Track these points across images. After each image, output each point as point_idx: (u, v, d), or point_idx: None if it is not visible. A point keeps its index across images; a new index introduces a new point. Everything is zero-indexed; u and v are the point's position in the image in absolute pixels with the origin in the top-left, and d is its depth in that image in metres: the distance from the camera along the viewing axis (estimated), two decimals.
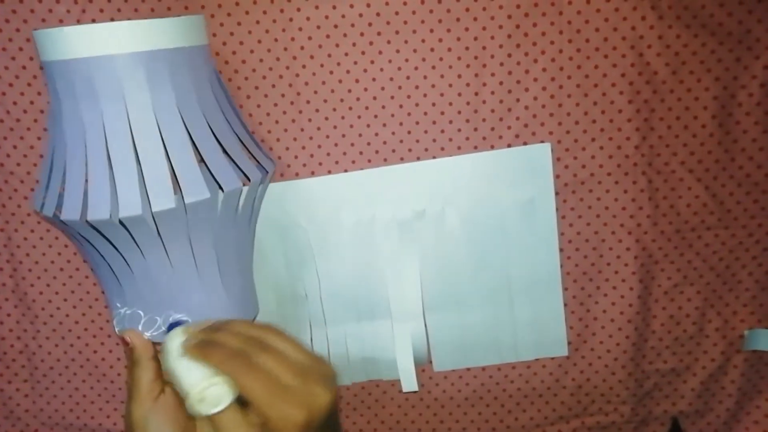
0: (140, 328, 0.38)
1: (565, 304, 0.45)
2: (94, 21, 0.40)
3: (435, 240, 0.44)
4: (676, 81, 0.41)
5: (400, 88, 0.41)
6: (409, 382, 0.45)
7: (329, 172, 0.43)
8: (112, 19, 0.40)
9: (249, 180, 0.38)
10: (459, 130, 0.42)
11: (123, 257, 0.36)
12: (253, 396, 0.28)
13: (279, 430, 0.27)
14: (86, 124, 0.34)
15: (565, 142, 0.42)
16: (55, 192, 0.36)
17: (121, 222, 0.34)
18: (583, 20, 0.40)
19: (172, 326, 0.36)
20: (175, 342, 0.31)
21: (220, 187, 0.36)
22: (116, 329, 0.39)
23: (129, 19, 0.40)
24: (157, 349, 0.35)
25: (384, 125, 0.42)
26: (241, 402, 0.29)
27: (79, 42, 0.33)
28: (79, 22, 0.40)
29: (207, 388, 0.28)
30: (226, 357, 0.29)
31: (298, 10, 0.40)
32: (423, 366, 0.46)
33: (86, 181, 0.34)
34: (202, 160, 0.37)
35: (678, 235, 0.44)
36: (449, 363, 0.46)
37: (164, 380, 0.34)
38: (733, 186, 0.43)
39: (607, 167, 0.42)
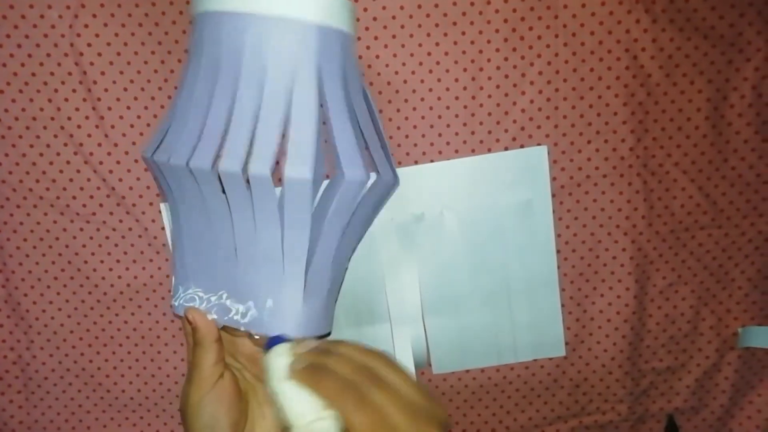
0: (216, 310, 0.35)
1: (563, 305, 0.45)
2: (86, 27, 0.40)
3: (433, 243, 0.44)
4: (670, 83, 0.42)
5: (397, 92, 0.41)
6: None
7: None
8: (106, 25, 0.40)
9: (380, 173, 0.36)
10: (456, 133, 0.42)
11: (218, 226, 0.34)
12: None
13: None
14: (243, 78, 0.32)
15: (562, 145, 0.42)
16: (178, 139, 0.33)
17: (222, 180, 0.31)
18: (579, 24, 0.40)
19: (273, 342, 0.32)
20: (281, 361, 0.29)
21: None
22: (177, 309, 0.35)
23: (122, 25, 0.40)
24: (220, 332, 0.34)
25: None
26: None
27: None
28: (71, 27, 0.40)
29: (313, 422, 0.27)
30: (339, 390, 0.27)
31: None
32: (422, 369, 0.46)
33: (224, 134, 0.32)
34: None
35: (672, 235, 0.44)
36: (448, 365, 0.46)
37: (225, 364, 0.33)
38: (725, 186, 0.43)
39: (602, 169, 0.43)
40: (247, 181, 0.32)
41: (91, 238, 0.43)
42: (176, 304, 0.35)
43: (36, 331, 0.45)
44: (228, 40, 0.32)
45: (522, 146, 0.42)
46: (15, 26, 0.39)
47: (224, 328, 0.34)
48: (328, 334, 0.38)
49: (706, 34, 0.41)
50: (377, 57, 0.41)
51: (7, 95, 0.41)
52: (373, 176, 0.37)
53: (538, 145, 0.42)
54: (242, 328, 0.34)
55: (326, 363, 0.29)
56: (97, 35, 0.40)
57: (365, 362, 0.29)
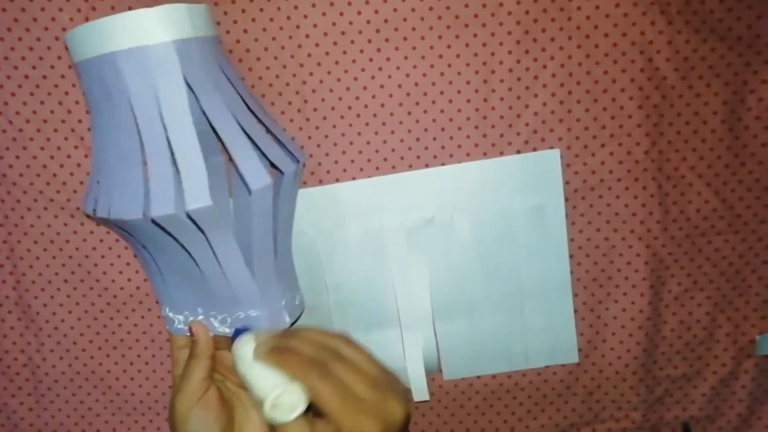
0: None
1: (576, 311, 0.44)
2: None
3: (444, 247, 0.43)
4: (686, 86, 0.41)
5: (408, 95, 0.41)
6: (420, 392, 0.44)
7: (337, 180, 0.42)
8: None
9: (282, 172, 0.36)
10: (468, 136, 0.42)
11: (182, 255, 0.35)
12: (328, 406, 0.27)
13: None
14: (127, 120, 0.32)
15: (575, 148, 0.42)
16: (106, 192, 0.34)
17: (156, 222, 0.32)
18: (592, 25, 0.40)
19: (238, 332, 0.35)
20: (247, 347, 0.31)
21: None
22: (170, 328, 0.38)
23: None
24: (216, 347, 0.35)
25: (392, 132, 0.42)
26: (311, 412, 0.28)
27: (107, 35, 0.32)
28: None
29: (281, 395, 0.28)
30: (302, 364, 0.29)
31: (305, 17, 0.40)
32: (433, 374, 0.46)
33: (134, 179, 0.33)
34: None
35: (688, 240, 0.43)
36: (459, 371, 0.45)
37: (213, 378, 0.35)
38: (742, 190, 0.42)
39: (617, 173, 0.42)
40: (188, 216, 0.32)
41: (101, 240, 0.43)
42: (176, 327, 0.38)
43: (46, 333, 0.45)
44: (99, 83, 0.33)
45: (534, 149, 0.42)
46: (26, 29, 0.40)
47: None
48: (295, 322, 0.40)
49: (723, 35, 0.40)
50: (388, 59, 0.40)
51: (18, 98, 0.41)
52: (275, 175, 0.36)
53: (551, 148, 0.42)
54: (227, 332, 0.36)
55: (289, 343, 0.31)
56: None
57: (326, 341, 0.31)
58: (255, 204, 0.34)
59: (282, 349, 0.30)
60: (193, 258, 0.34)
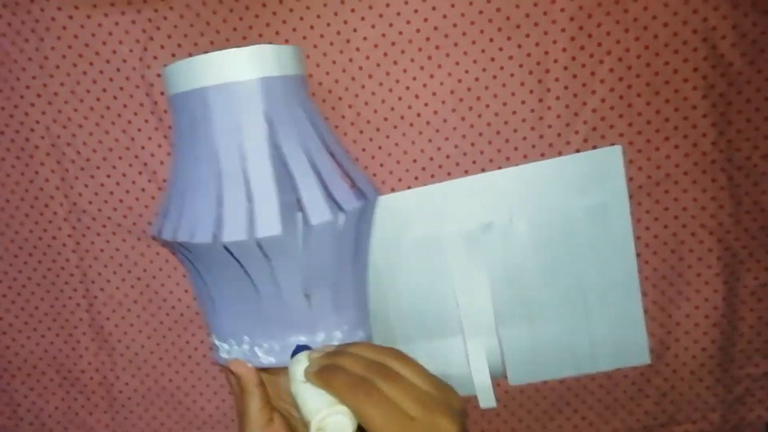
0: (243, 356, 0.37)
1: (645, 311, 0.43)
2: (155, 59, 0.41)
3: (504, 252, 0.43)
4: (754, 71, 0.39)
5: (461, 100, 0.41)
6: (487, 399, 0.44)
7: (392, 190, 0.42)
8: (173, 55, 0.41)
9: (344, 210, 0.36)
10: (524, 138, 0.41)
11: (239, 280, 0.36)
12: (374, 428, 0.27)
13: None
14: (208, 150, 0.34)
15: (637, 143, 0.41)
16: (176, 216, 0.36)
17: (226, 248, 0.33)
18: (651, 16, 0.38)
19: (297, 350, 0.35)
20: (299, 367, 0.31)
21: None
22: (219, 360, 0.38)
23: (189, 54, 0.41)
24: (261, 376, 0.35)
25: (446, 139, 0.41)
26: None
27: (200, 71, 0.34)
28: (141, 60, 0.41)
29: (327, 418, 0.28)
30: (348, 385, 0.28)
31: (355, 30, 0.40)
32: (498, 380, 0.45)
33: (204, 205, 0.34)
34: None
35: (763, 232, 0.41)
36: (525, 376, 0.45)
37: (272, 407, 0.35)
38: None
39: (683, 166, 0.41)
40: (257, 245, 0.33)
41: (167, 261, 0.45)
42: (220, 356, 0.38)
43: (119, 352, 0.46)
44: (188, 115, 0.35)
45: (594, 147, 0.41)
46: (90, 63, 0.41)
47: (266, 370, 0.36)
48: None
49: None
50: (439, 66, 0.40)
51: (85, 129, 0.42)
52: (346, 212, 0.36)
53: (612, 145, 0.41)
54: (272, 362, 0.36)
55: (337, 362, 0.30)
56: (166, 66, 0.41)
57: (375, 358, 0.30)
58: (314, 237, 0.34)
59: (329, 369, 0.30)
60: (253, 282, 0.35)
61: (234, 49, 0.33)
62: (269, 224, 0.32)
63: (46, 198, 0.44)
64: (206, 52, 0.39)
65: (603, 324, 0.43)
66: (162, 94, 0.42)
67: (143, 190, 0.43)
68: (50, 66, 0.41)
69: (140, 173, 0.43)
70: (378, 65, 0.40)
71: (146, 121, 0.42)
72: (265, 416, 0.34)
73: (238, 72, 0.33)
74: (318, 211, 0.34)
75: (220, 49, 0.38)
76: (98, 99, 0.42)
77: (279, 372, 0.36)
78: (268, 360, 0.36)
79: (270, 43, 0.40)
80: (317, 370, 0.30)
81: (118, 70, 0.41)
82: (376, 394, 0.27)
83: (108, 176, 0.43)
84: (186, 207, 0.35)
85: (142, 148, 0.43)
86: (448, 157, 0.42)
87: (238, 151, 0.33)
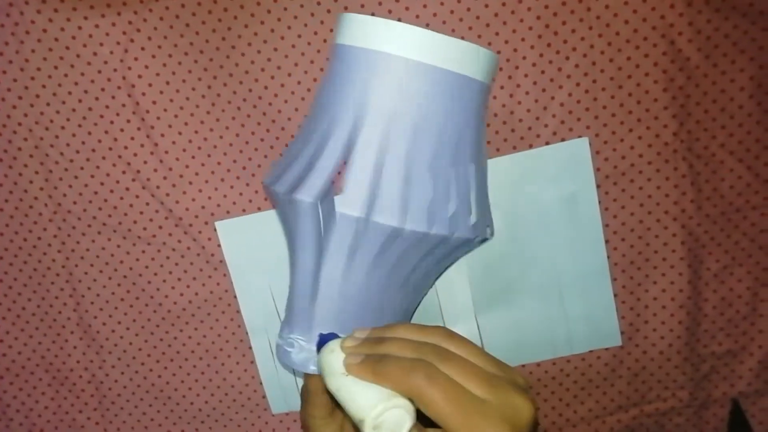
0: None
1: (615, 295, 0.45)
2: (136, 60, 0.42)
3: None
4: (710, 65, 0.41)
5: None
6: None
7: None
8: (154, 57, 0.42)
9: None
10: (497, 132, 0.43)
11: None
12: (442, 416, 0.23)
13: None
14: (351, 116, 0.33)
15: (603, 135, 0.43)
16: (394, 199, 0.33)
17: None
18: (612, 14, 0.40)
19: (322, 341, 0.31)
20: (334, 358, 0.27)
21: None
22: (283, 359, 0.35)
23: (170, 55, 0.42)
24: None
25: None
26: (424, 423, 0.25)
27: (377, 34, 0.33)
28: (122, 61, 0.42)
29: (383, 413, 0.24)
30: (405, 371, 0.24)
31: (331, 31, 0.41)
32: None
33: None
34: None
35: (723, 217, 0.44)
36: (504, 361, 0.46)
37: (343, 416, 0.33)
38: None
39: (647, 156, 0.43)
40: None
41: (153, 259, 0.45)
42: (282, 350, 0.35)
43: (107, 350, 0.47)
44: (348, 75, 0.33)
45: (563, 140, 0.43)
46: (71, 65, 0.42)
47: None
48: None
49: (745, 12, 0.40)
50: None
51: (68, 130, 0.43)
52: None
53: (580, 137, 0.42)
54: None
55: (383, 349, 0.27)
56: (146, 66, 0.42)
57: (425, 339, 0.27)
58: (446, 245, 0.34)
59: (376, 358, 0.26)
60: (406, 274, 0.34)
61: (464, 42, 0.33)
62: (463, 224, 0.34)
63: (31, 199, 0.44)
64: (186, 54, 0.40)
65: (576, 309, 0.45)
66: (143, 94, 0.42)
67: (127, 189, 0.44)
68: (31, 68, 0.42)
69: (124, 173, 0.44)
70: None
71: (128, 121, 0.43)
72: (328, 426, 0.32)
73: (465, 67, 0.33)
74: (464, 226, 0.34)
75: (201, 50, 0.39)
76: (80, 100, 0.43)
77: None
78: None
79: (249, 45, 0.41)
80: (362, 361, 0.26)
81: (99, 71, 0.42)
82: (440, 377, 0.24)
83: (92, 176, 0.44)
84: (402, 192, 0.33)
85: (125, 148, 0.43)
86: None
87: (380, 133, 0.32)
